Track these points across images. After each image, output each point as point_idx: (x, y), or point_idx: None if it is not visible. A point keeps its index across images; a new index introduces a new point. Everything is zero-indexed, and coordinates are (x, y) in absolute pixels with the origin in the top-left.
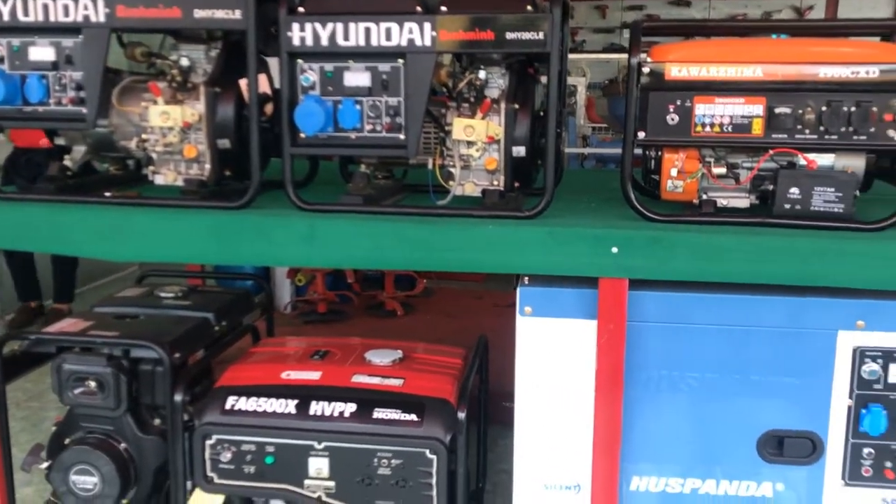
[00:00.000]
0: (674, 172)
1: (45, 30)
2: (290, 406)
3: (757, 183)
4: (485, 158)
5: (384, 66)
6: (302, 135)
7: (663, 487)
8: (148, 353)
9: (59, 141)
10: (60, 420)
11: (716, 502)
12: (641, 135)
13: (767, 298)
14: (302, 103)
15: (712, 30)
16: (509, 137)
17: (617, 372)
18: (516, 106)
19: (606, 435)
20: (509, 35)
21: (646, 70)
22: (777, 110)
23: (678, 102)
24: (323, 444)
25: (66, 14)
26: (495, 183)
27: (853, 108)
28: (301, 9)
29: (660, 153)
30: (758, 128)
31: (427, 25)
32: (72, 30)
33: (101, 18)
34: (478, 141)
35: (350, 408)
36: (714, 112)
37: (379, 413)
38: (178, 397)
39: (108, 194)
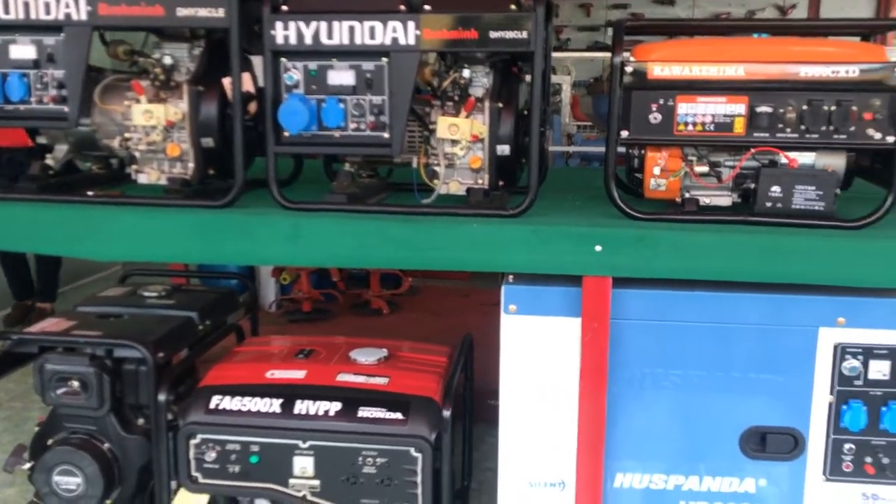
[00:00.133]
0: (657, 171)
1: (27, 28)
2: (274, 405)
3: (739, 181)
4: (469, 157)
5: (368, 65)
6: (286, 133)
7: (647, 484)
8: (131, 353)
9: (41, 140)
10: (43, 420)
11: (699, 498)
12: (625, 134)
13: (749, 296)
14: (286, 102)
15: (695, 29)
16: (493, 136)
17: (601, 369)
18: (500, 105)
19: (590, 432)
20: (493, 34)
21: (629, 69)
22: (758, 109)
23: (661, 101)
24: (308, 443)
25: (48, 12)
26: (480, 181)
27: (833, 108)
28: (285, 7)
29: (643, 152)
30: (739, 127)
31: (411, 24)
32: (53, 28)
33: (83, 16)
34: (462, 140)
35: (335, 407)
36: (696, 111)
37: (364, 412)
38: (161, 397)
39: (90, 193)
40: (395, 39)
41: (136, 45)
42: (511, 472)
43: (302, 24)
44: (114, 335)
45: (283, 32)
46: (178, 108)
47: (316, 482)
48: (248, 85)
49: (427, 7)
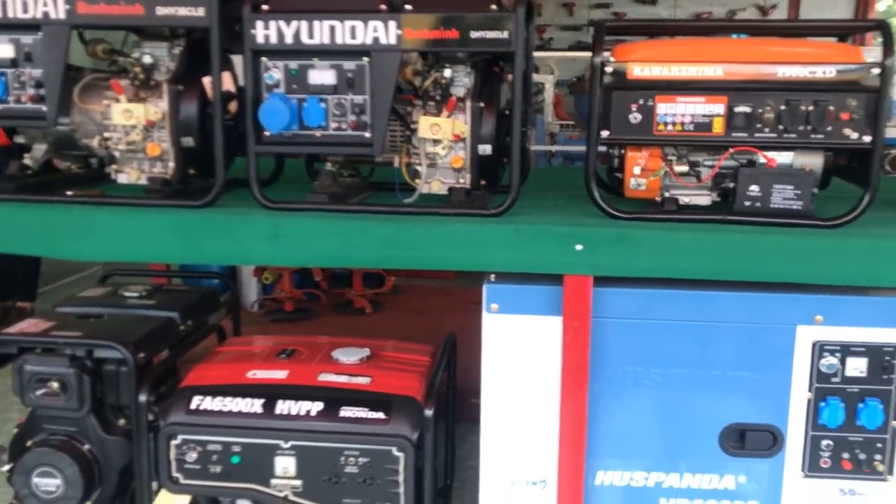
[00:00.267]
0: (637, 170)
1: (4, 26)
2: (256, 405)
3: (718, 181)
4: (451, 157)
5: (349, 65)
6: (267, 133)
7: (628, 481)
8: (111, 354)
9: (19, 139)
10: (22, 422)
11: (679, 495)
12: (605, 133)
13: (729, 294)
14: (266, 101)
15: (675, 29)
16: (475, 136)
17: (582, 368)
18: (482, 104)
19: (572, 430)
20: (474, 34)
21: (609, 69)
22: (737, 109)
23: (641, 101)
24: (289, 443)
25: (26, 10)
26: (461, 181)
27: (811, 108)
28: (265, 6)
29: (623, 151)
30: (718, 126)
31: (392, 24)
32: (31, 26)
33: (62, 15)
34: (444, 139)
35: (317, 406)
36: (676, 111)
37: (346, 411)
38: (142, 397)
39: (69, 193)
40: (376, 39)
41: (116, 44)
42: (493, 470)
43: (283, 24)
44: (94, 335)
45: (264, 32)
46: (158, 108)
47: (298, 482)
48: (228, 84)
49: (408, 7)
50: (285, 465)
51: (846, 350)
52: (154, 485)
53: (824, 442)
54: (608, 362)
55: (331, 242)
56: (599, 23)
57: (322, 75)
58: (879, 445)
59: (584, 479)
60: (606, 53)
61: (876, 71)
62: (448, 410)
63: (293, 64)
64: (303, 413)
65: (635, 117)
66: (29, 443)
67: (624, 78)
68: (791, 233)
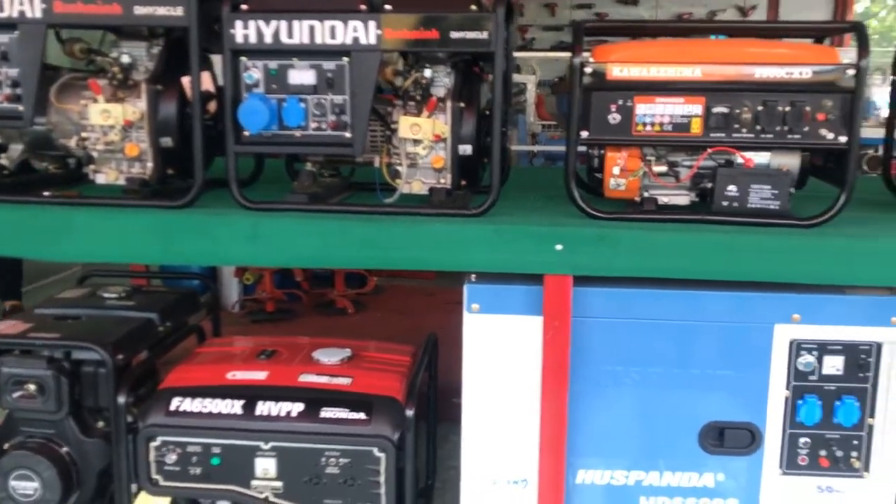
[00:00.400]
0: (616, 171)
1: None
2: (236, 406)
3: (696, 181)
4: (431, 157)
5: (329, 64)
6: (246, 133)
7: (608, 480)
8: (90, 355)
9: None
10: None
11: (659, 493)
12: (585, 134)
13: (707, 293)
14: (246, 101)
15: (655, 30)
16: (455, 136)
17: (562, 367)
18: (462, 104)
19: (552, 429)
20: (454, 34)
21: (588, 70)
22: (715, 110)
23: (620, 102)
24: (270, 445)
25: (1, 9)
26: (442, 181)
27: (788, 108)
28: (244, 6)
29: (603, 152)
30: (696, 127)
31: (372, 24)
32: (7, 25)
33: (38, 14)
34: (424, 139)
35: (297, 407)
36: (654, 111)
37: (326, 412)
38: (121, 399)
39: (47, 194)
40: (355, 39)
41: (94, 44)
42: (474, 470)
43: (262, 23)
44: (72, 337)
45: (243, 31)
46: (136, 108)
47: (278, 483)
48: (207, 84)
49: (388, 7)
50: (266, 466)
51: (823, 348)
52: (133, 487)
53: (802, 439)
54: (588, 361)
55: (311, 243)
56: (579, 24)
57: (302, 75)
58: (856, 443)
59: (564, 477)
60: (586, 54)
61: (851, 72)
62: (429, 410)
63: (273, 64)
64: (283, 414)
65: (614, 118)
66: (6, 445)
67: (603, 79)
68: (768, 232)
